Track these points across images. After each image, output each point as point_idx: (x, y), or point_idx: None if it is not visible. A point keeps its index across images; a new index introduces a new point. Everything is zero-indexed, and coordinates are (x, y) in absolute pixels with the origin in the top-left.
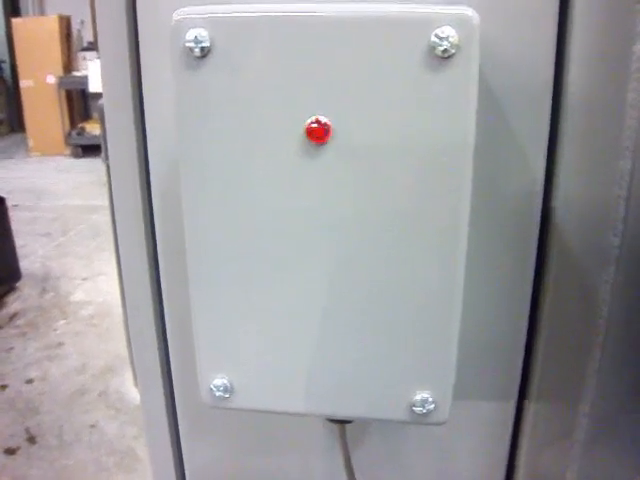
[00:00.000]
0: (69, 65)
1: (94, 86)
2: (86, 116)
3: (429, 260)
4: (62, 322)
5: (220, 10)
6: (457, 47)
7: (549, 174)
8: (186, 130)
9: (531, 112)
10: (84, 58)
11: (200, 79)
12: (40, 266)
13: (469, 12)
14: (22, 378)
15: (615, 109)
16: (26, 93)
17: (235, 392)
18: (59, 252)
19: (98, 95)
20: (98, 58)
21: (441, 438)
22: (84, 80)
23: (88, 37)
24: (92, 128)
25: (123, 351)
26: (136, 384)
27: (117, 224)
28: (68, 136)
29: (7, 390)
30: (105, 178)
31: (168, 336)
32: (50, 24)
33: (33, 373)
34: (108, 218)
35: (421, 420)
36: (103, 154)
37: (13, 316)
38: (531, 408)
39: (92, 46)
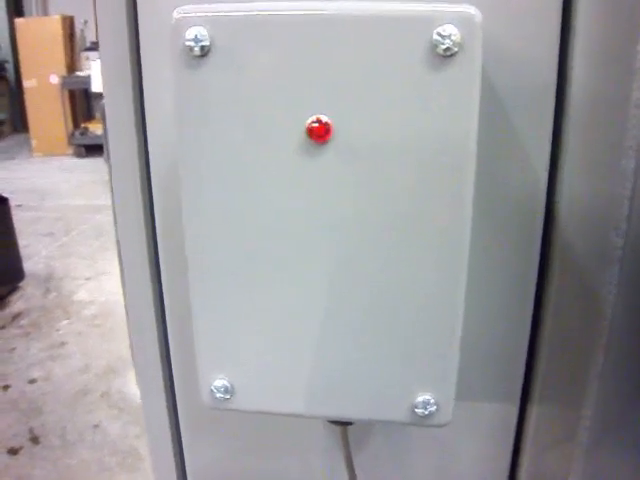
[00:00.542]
0: (72, 65)
1: (97, 86)
2: (89, 116)
3: (431, 261)
4: (65, 322)
5: (220, 9)
6: (459, 45)
7: (552, 173)
8: (186, 130)
9: (534, 111)
10: (87, 58)
11: (200, 78)
12: (43, 266)
13: (471, 10)
14: (25, 378)
15: (619, 108)
16: (29, 93)
17: (235, 393)
18: (62, 252)
19: (101, 95)
20: None
21: (444, 440)
22: (87, 80)
23: (91, 37)
24: (95, 128)
25: (126, 351)
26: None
27: (118, 224)
28: (71, 136)
29: (10, 390)
30: (108, 178)
31: (169, 336)
32: (53, 24)
33: (36, 373)
34: (111, 218)
35: (423, 422)
36: (106, 154)
37: (16, 316)
38: (534, 411)
39: (95, 46)
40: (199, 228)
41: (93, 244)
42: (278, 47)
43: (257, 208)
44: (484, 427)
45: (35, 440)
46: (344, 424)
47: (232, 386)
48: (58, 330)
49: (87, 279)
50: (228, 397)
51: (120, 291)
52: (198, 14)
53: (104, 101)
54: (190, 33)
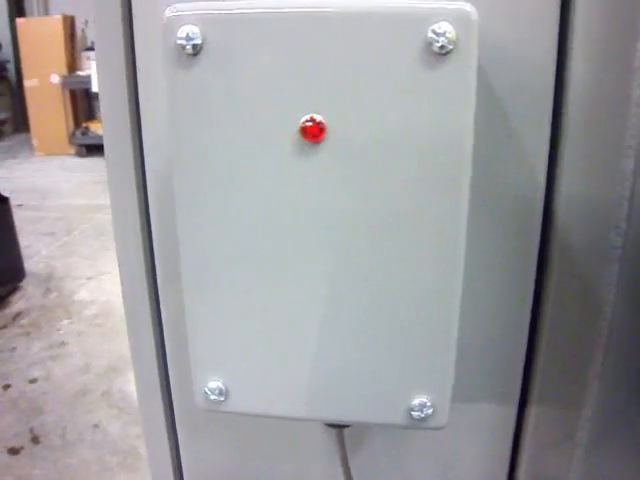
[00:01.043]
0: (73, 65)
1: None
2: (90, 116)
3: (427, 261)
4: (66, 322)
5: (212, 7)
6: (454, 43)
7: (551, 173)
8: (178, 129)
9: (532, 110)
10: (88, 58)
11: (192, 77)
12: (44, 266)
13: (467, 7)
14: (25, 378)
15: (618, 107)
16: (30, 93)
17: (230, 396)
18: (63, 251)
19: None
20: None
21: (442, 442)
22: (88, 80)
23: (92, 37)
24: (96, 127)
25: (126, 351)
26: None
27: (113, 225)
28: (72, 136)
29: (10, 390)
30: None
31: (165, 337)
32: (54, 24)
33: (36, 373)
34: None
35: (419, 425)
36: None
37: (17, 316)
38: (533, 411)
39: None
40: (192, 229)
41: (94, 244)
42: (271, 45)
43: (251, 208)
44: (483, 428)
45: (35, 440)
46: (340, 427)
47: (226, 388)
48: (59, 330)
49: (88, 279)
50: (222, 399)
51: (120, 291)
52: (190, 12)
53: (100, 101)
54: (182, 32)
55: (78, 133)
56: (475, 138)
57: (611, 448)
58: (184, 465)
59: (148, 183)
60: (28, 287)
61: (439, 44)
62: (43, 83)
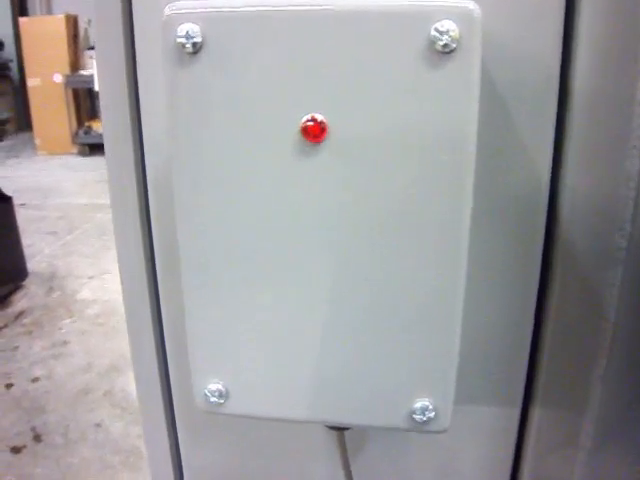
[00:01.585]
0: (76, 64)
1: None
2: (93, 115)
3: (429, 262)
4: (68, 321)
5: (213, 5)
6: (458, 42)
7: (554, 174)
8: (178, 128)
9: (536, 109)
10: (91, 57)
11: (192, 76)
12: (46, 265)
13: (470, 5)
14: (28, 377)
15: (623, 106)
16: (33, 92)
17: (230, 398)
18: (65, 251)
19: None
20: None
21: (444, 445)
22: (91, 79)
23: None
24: (99, 127)
25: (128, 350)
26: None
27: (114, 224)
28: (75, 135)
29: (13, 389)
30: None
31: (165, 337)
32: (57, 23)
33: (39, 372)
34: None
35: (421, 428)
36: None
37: (19, 315)
38: (536, 414)
39: None
40: (192, 230)
41: (96, 243)
42: (272, 44)
43: (251, 209)
44: (485, 430)
45: (38, 439)
46: (341, 429)
47: (226, 390)
48: (61, 329)
49: (90, 278)
50: (222, 401)
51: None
52: (190, 10)
53: (100, 100)
54: (182, 30)
55: (81, 132)
56: (478, 137)
57: (614, 451)
58: (184, 465)
59: (148, 182)
60: (30, 286)
61: (442, 43)
62: (46, 82)
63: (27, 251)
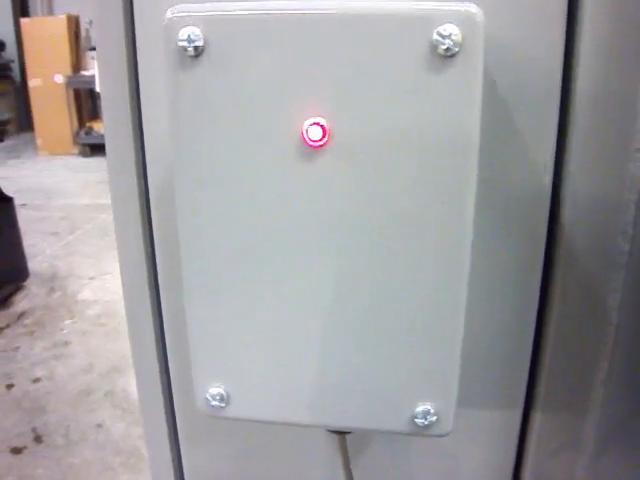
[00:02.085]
0: (77, 64)
1: None
2: (94, 115)
3: (432, 266)
4: (69, 321)
5: (214, 8)
6: (460, 45)
7: (557, 177)
8: (180, 131)
9: (538, 112)
10: (92, 58)
11: (194, 79)
12: (48, 265)
13: (473, 9)
14: (29, 377)
15: (626, 110)
16: (34, 92)
17: (232, 401)
18: (67, 251)
19: None
20: None
21: (445, 448)
22: (92, 79)
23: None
24: (100, 127)
25: (129, 351)
26: None
27: (115, 225)
28: (76, 135)
29: (14, 389)
30: None
31: (166, 339)
32: (59, 24)
33: (40, 372)
34: None
35: (423, 432)
36: None
37: (21, 315)
38: (537, 417)
39: None
40: (193, 234)
41: (98, 243)
42: (274, 47)
43: (253, 213)
44: (487, 434)
45: (38, 439)
46: (342, 433)
47: (228, 394)
48: (62, 329)
49: (91, 278)
50: (224, 405)
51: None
52: (191, 14)
53: (101, 102)
54: (183, 33)
55: (82, 133)
56: (481, 140)
57: (616, 455)
58: (185, 468)
59: (149, 183)
60: (32, 287)
61: (445, 46)
62: (47, 83)
63: (28, 251)
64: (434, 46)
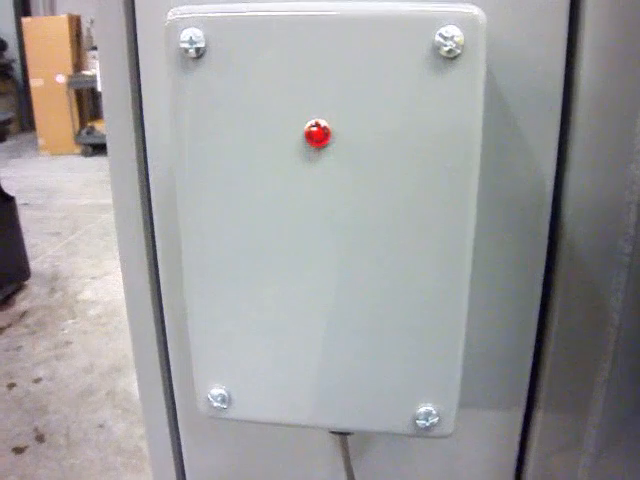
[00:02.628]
0: (79, 64)
1: None
2: (96, 115)
3: (433, 267)
4: (70, 321)
5: (216, 10)
6: (462, 47)
7: (559, 178)
8: (181, 132)
9: (540, 114)
10: (94, 57)
11: (196, 81)
12: (49, 265)
13: (475, 10)
14: (30, 377)
15: (628, 111)
16: (36, 92)
17: (233, 403)
18: (68, 251)
19: None
20: None
21: (447, 448)
22: (93, 79)
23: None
24: (102, 127)
25: (131, 351)
26: None
27: (116, 226)
28: (78, 135)
29: (15, 389)
30: None
31: (168, 340)
32: (60, 23)
33: (41, 372)
34: None
35: (425, 433)
36: None
37: (22, 315)
38: (539, 418)
39: None
40: (195, 234)
41: (99, 243)
42: (276, 49)
43: (255, 213)
44: (489, 434)
45: (40, 439)
46: (344, 434)
47: (229, 395)
48: (63, 329)
49: (92, 278)
50: (225, 406)
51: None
52: (193, 15)
53: (103, 102)
54: (185, 35)
55: (84, 132)
56: (483, 141)
57: (618, 455)
58: (187, 467)
59: (151, 183)
60: (33, 286)
61: (447, 48)
62: (49, 82)
63: (30, 251)
64: (436, 48)
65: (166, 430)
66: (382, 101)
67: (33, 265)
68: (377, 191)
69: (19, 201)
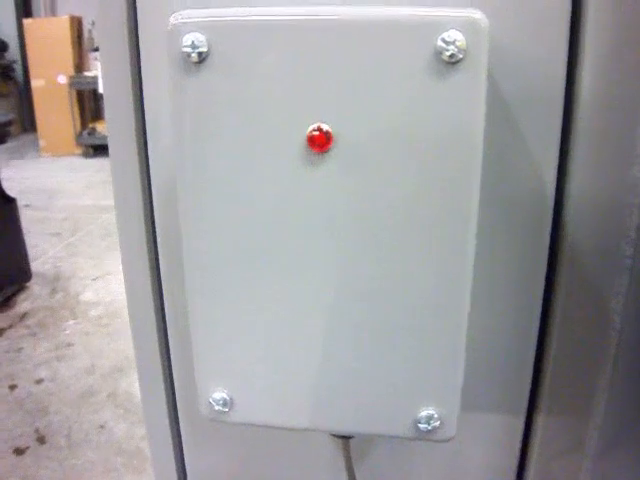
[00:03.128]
0: (80, 65)
1: None
2: (97, 116)
3: (435, 272)
4: (72, 322)
5: (218, 14)
6: (464, 52)
7: (560, 181)
8: (183, 136)
9: (542, 118)
10: (95, 58)
11: (197, 85)
12: (50, 266)
13: (477, 15)
14: (32, 378)
15: (629, 113)
16: (37, 93)
17: (235, 406)
18: (69, 252)
19: None
20: None
21: (449, 451)
22: (95, 80)
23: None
24: (103, 128)
25: (132, 352)
26: None
27: (118, 228)
28: (79, 136)
29: (17, 390)
30: None
31: (169, 341)
32: (61, 25)
33: (43, 373)
34: None
35: (426, 437)
36: None
37: (23, 316)
38: (541, 421)
39: None
40: (196, 237)
41: (100, 244)
42: (278, 53)
43: (257, 218)
44: (490, 437)
45: (41, 440)
46: (346, 437)
47: (231, 399)
48: (65, 330)
49: (94, 279)
50: (227, 410)
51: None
52: (195, 20)
53: (104, 105)
54: (187, 39)
55: (85, 133)
56: (484, 145)
57: (619, 458)
58: (188, 470)
59: (152, 185)
60: (34, 287)
61: (449, 53)
62: (50, 83)
63: (31, 252)
64: (438, 52)
65: (167, 431)
66: (384, 106)
67: (34, 266)
68: (379, 194)
69: (20, 202)
